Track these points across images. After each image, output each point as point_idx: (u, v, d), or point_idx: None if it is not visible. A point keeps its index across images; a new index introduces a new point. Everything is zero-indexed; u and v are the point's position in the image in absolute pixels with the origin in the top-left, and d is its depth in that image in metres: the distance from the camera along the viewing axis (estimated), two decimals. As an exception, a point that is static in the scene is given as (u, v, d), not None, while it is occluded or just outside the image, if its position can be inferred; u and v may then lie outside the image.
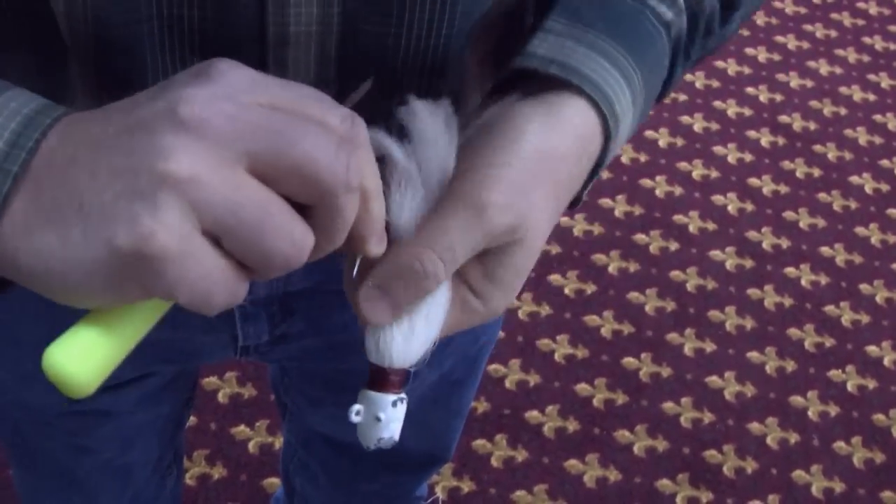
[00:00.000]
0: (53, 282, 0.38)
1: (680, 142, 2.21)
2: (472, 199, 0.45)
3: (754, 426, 1.74)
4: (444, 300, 0.46)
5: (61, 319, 0.69)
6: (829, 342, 1.89)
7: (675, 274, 1.95)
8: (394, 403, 0.46)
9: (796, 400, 1.79)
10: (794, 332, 1.89)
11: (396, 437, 0.47)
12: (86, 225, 0.36)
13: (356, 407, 0.46)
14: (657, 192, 2.10)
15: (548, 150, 0.47)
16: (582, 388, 1.75)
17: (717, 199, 2.10)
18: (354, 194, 0.39)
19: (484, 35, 0.56)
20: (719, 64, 2.40)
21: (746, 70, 2.40)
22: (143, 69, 0.50)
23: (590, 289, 1.90)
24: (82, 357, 0.39)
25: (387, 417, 0.46)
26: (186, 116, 0.36)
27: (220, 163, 0.36)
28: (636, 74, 0.51)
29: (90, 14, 0.47)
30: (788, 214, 2.10)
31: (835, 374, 1.84)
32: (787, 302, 1.94)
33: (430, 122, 0.47)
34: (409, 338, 0.46)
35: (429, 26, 0.52)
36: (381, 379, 0.46)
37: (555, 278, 1.90)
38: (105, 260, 0.36)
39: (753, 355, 1.84)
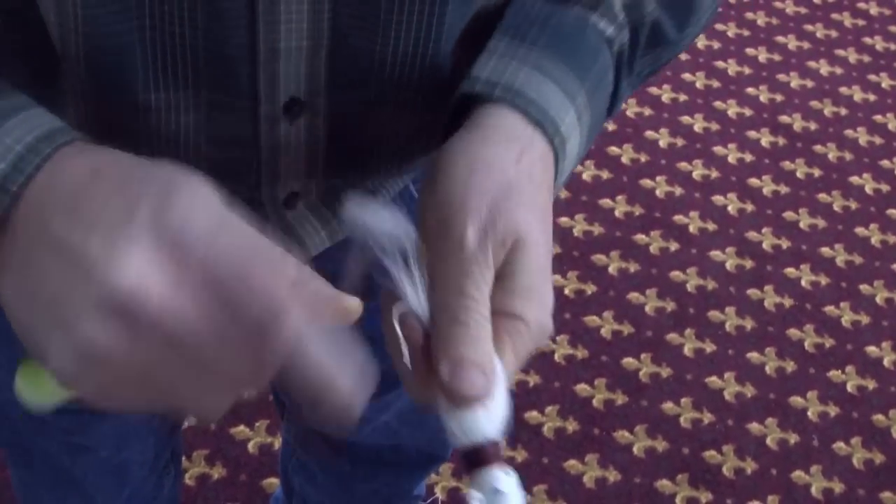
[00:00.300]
0: (14, 320, 0.40)
1: (680, 142, 2.21)
2: (448, 243, 0.45)
3: (754, 426, 1.74)
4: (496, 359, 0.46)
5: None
6: (829, 343, 1.89)
7: (675, 274, 1.95)
8: (506, 472, 0.45)
9: (796, 400, 1.79)
10: (794, 332, 1.89)
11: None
12: (38, 301, 0.38)
13: (475, 494, 0.46)
14: (657, 192, 2.10)
15: (484, 161, 0.47)
16: (581, 388, 1.75)
17: (718, 199, 2.10)
18: (255, 390, 0.40)
19: (469, 41, 0.56)
20: (720, 64, 2.40)
21: (747, 70, 2.40)
22: (134, 81, 0.50)
23: (590, 289, 1.90)
24: (41, 383, 0.44)
25: (507, 488, 0.45)
26: (121, 289, 0.37)
27: (134, 341, 0.37)
28: (580, 92, 0.52)
29: (81, 26, 0.47)
30: (789, 215, 2.10)
31: (835, 374, 1.84)
32: (787, 302, 1.94)
33: (375, 216, 0.46)
34: (487, 406, 0.45)
35: (415, 41, 0.53)
36: (481, 457, 0.46)
37: (555, 279, 1.90)
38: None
39: (753, 356, 1.84)
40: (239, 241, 0.39)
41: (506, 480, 0.45)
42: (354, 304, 0.42)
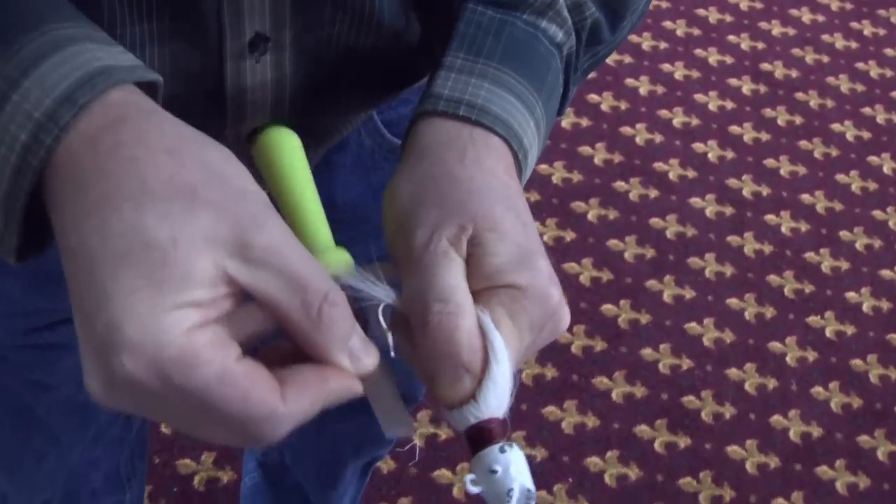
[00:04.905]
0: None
1: (661, 90, 2.19)
2: (403, 250, 0.46)
3: (732, 372, 1.74)
4: (492, 329, 0.44)
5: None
6: (808, 288, 1.88)
7: (655, 221, 1.94)
8: (501, 449, 0.43)
9: (775, 346, 1.79)
10: (773, 278, 1.89)
11: (529, 485, 0.43)
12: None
13: (469, 477, 0.44)
14: (637, 139, 2.08)
15: (427, 174, 0.48)
16: (560, 335, 1.74)
17: (698, 146, 2.09)
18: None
19: None
20: (700, 12, 2.38)
21: (728, 18, 2.38)
22: (99, 15, 0.50)
23: (569, 236, 1.89)
24: None
25: (503, 466, 0.43)
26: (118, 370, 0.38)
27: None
28: (538, 103, 0.53)
29: None
30: (769, 162, 2.09)
31: (813, 320, 1.84)
32: (767, 249, 1.93)
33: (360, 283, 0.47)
34: (484, 387, 0.44)
35: None
36: (478, 438, 0.44)
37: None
38: None
39: (732, 302, 1.84)
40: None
41: (501, 458, 0.43)
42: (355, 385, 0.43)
